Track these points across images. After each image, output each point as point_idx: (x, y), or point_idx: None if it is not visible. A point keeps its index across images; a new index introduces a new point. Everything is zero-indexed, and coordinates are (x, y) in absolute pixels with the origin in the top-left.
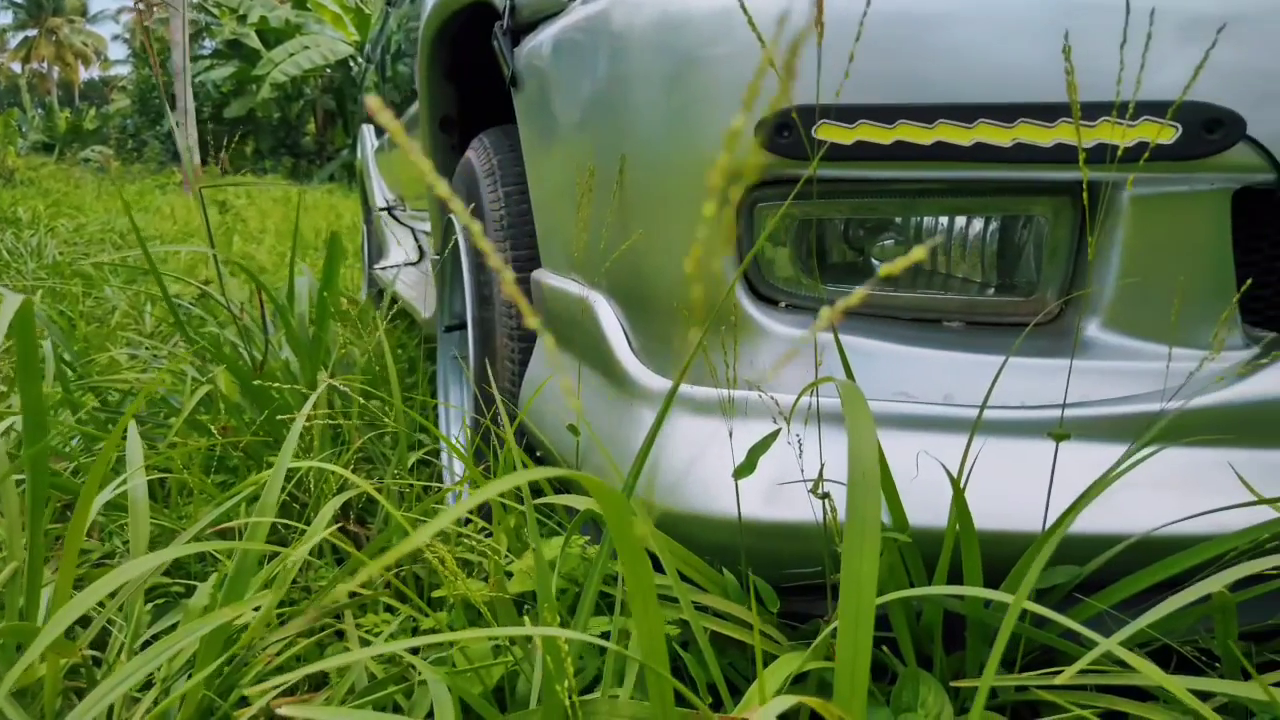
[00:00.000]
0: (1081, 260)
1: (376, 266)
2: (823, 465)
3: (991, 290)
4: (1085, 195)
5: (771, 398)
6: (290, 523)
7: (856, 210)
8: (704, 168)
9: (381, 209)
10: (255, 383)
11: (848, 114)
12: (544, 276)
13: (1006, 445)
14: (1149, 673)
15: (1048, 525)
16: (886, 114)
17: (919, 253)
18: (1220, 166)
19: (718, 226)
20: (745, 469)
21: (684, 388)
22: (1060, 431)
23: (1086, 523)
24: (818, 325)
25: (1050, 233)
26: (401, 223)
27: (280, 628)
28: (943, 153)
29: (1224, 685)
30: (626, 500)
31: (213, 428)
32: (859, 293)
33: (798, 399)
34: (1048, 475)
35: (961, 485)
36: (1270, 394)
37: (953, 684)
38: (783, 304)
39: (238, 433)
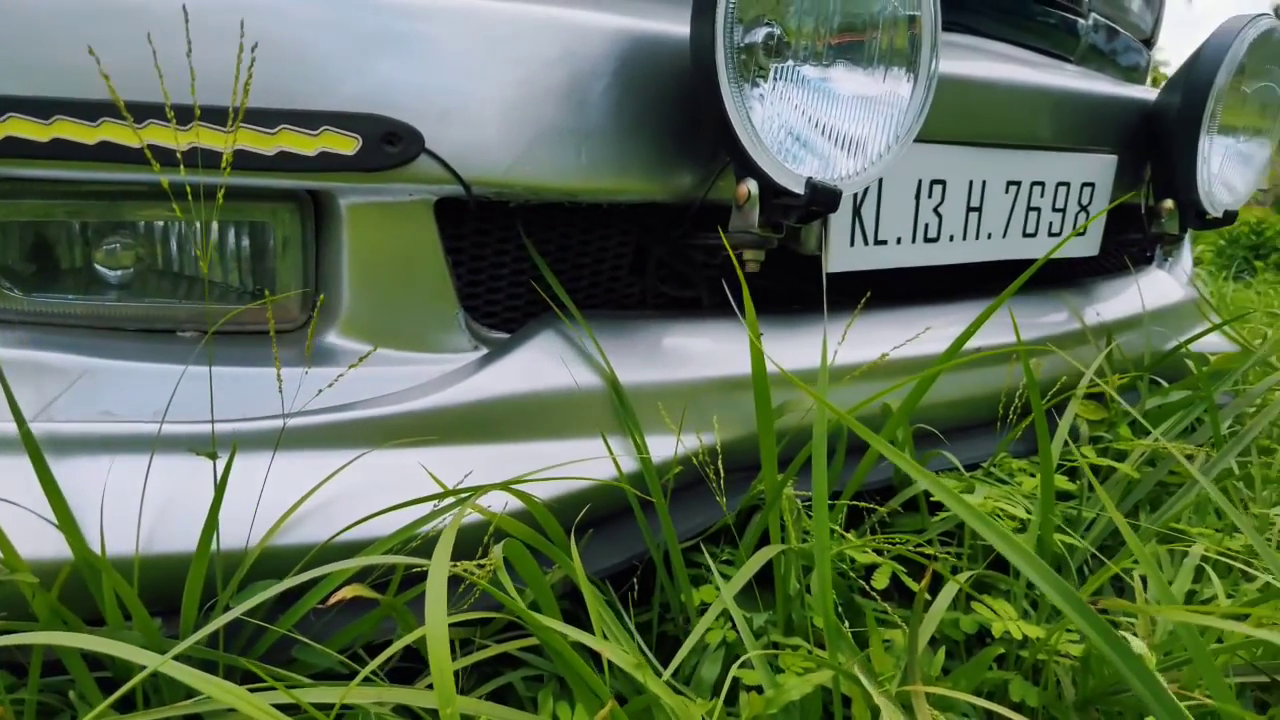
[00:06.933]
0: (320, 267)
1: None
2: None
3: (230, 298)
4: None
5: None
6: None
7: (70, 214)
8: None
9: None
10: None
11: (44, 108)
12: None
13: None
14: (203, 685)
15: (255, 541)
16: (88, 110)
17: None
18: (411, 178)
19: None
20: None
21: None
22: (210, 450)
23: (297, 534)
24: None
25: (283, 239)
26: None
27: None
28: (155, 155)
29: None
30: None
31: None
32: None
33: None
34: (259, 489)
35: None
36: (484, 394)
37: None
38: None
39: None
